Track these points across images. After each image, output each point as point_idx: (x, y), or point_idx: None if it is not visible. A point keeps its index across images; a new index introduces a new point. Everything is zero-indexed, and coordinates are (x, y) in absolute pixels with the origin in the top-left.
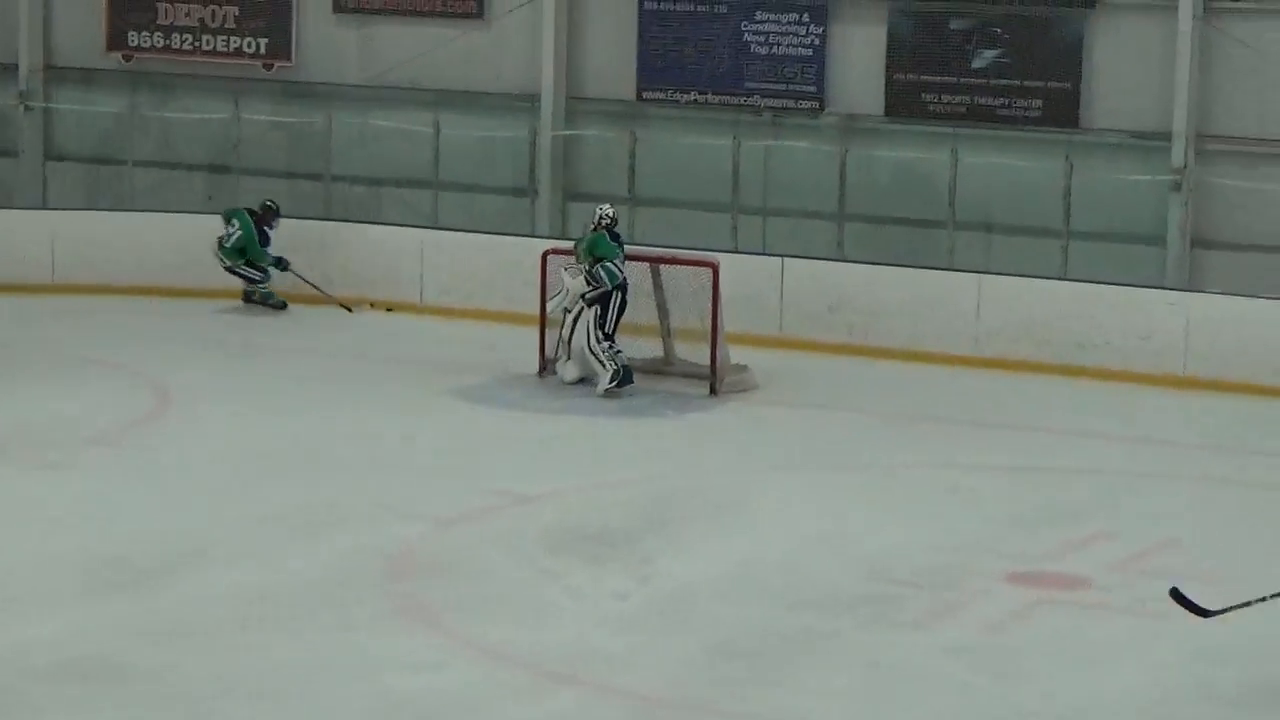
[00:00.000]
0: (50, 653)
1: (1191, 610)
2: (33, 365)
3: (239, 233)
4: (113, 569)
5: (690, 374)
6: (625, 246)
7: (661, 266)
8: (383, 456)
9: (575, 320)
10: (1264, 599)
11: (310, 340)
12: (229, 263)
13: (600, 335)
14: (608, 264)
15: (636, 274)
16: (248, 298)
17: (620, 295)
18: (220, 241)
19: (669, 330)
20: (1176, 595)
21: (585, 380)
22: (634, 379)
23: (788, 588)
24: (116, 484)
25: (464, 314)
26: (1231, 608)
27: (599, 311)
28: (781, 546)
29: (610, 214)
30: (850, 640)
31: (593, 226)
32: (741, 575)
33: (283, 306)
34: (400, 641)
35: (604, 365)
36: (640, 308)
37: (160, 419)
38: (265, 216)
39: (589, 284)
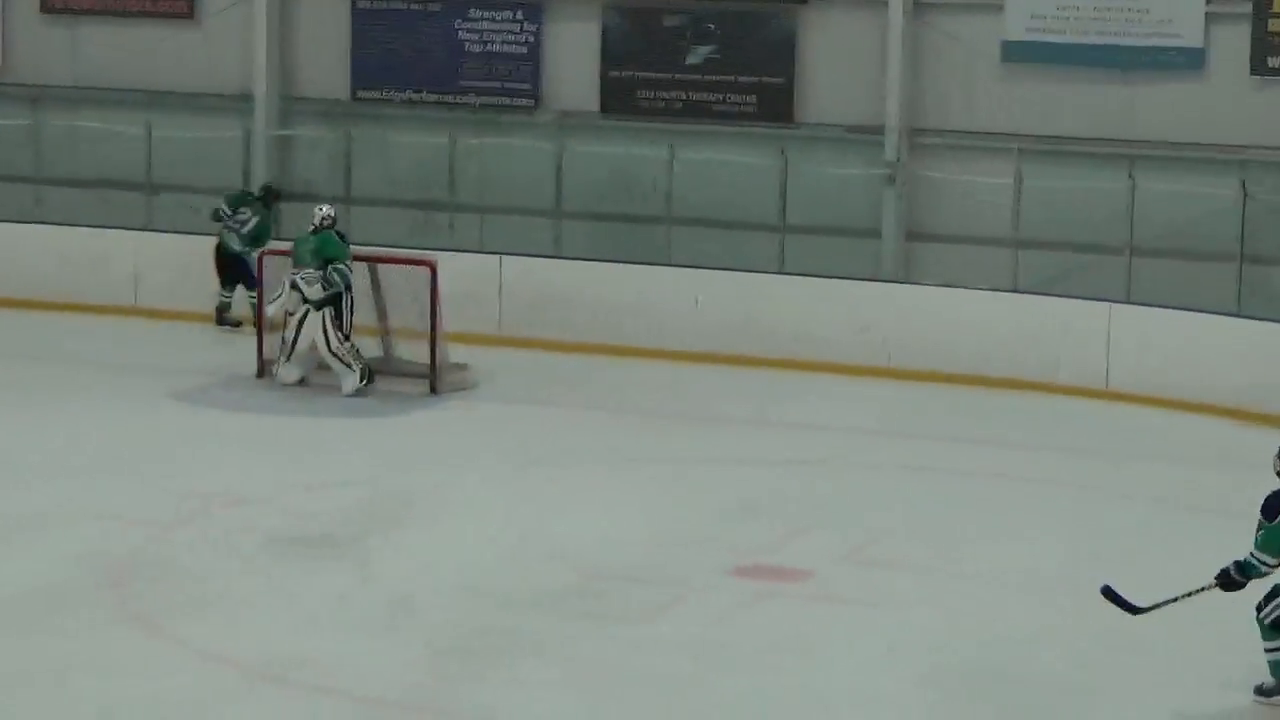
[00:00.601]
0: None
1: (1122, 607)
2: None
3: (255, 219)
4: None
5: (410, 373)
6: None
7: (379, 266)
8: (96, 460)
9: (301, 322)
10: (1189, 594)
11: (22, 345)
12: (240, 249)
13: (341, 337)
14: (339, 265)
15: (356, 273)
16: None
17: (350, 295)
18: (232, 230)
19: (388, 329)
20: (1108, 593)
21: (304, 382)
22: (375, 378)
23: (505, 586)
24: None
25: (179, 316)
26: (1160, 604)
27: (333, 313)
28: (500, 545)
29: (331, 214)
30: (567, 636)
31: (314, 228)
32: (460, 575)
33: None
34: (118, 647)
35: (350, 366)
36: (359, 307)
37: None
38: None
39: (323, 289)
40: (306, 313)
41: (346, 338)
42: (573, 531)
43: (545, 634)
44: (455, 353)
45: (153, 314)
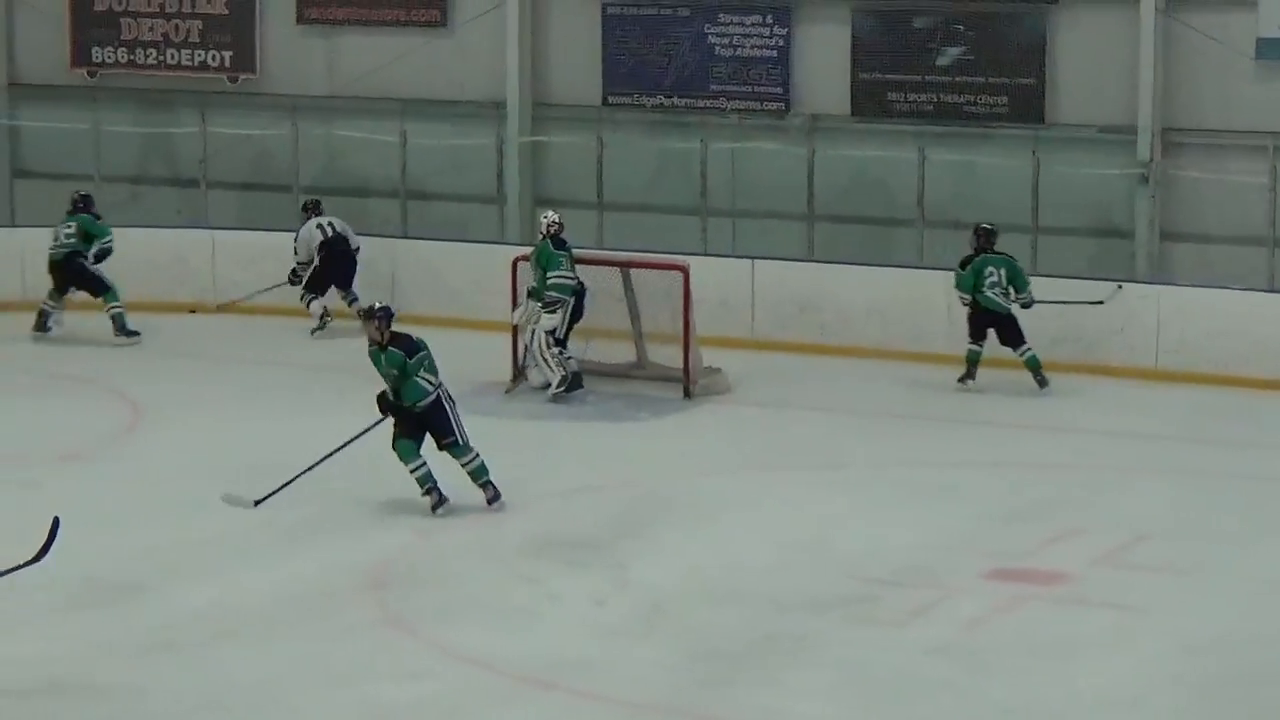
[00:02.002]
0: (25, 672)
1: None
2: (4, 382)
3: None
4: (90, 585)
5: (663, 377)
6: (594, 251)
7: (632, 270)
8: (358, 465)
9: (535, 327)
10: None
11: (279, 352)
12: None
13: (550, 340)
14: (552, 279)
15: (607, 278)
16: None
17: (575, 301)
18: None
19: (640, 334)
20: None
21: (549, 385)
22: (583, 384)
23: (766, 590)
24: (90, 500)
25: (435, 322)
26: None
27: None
28: (759, 548)
29: (556, 220)
30: (830, 640)
31: (541, 235)
32: (720, 578)
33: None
34: (381, 651)
35: (552, 370)
36: (612, 312)
37: (133, 433)
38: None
39: (548, 309)
40: (540, 318)
41: (558, 342)
42: (831, 534)
43: (807, 637)
44: (708, 357)
45: (408, 320)
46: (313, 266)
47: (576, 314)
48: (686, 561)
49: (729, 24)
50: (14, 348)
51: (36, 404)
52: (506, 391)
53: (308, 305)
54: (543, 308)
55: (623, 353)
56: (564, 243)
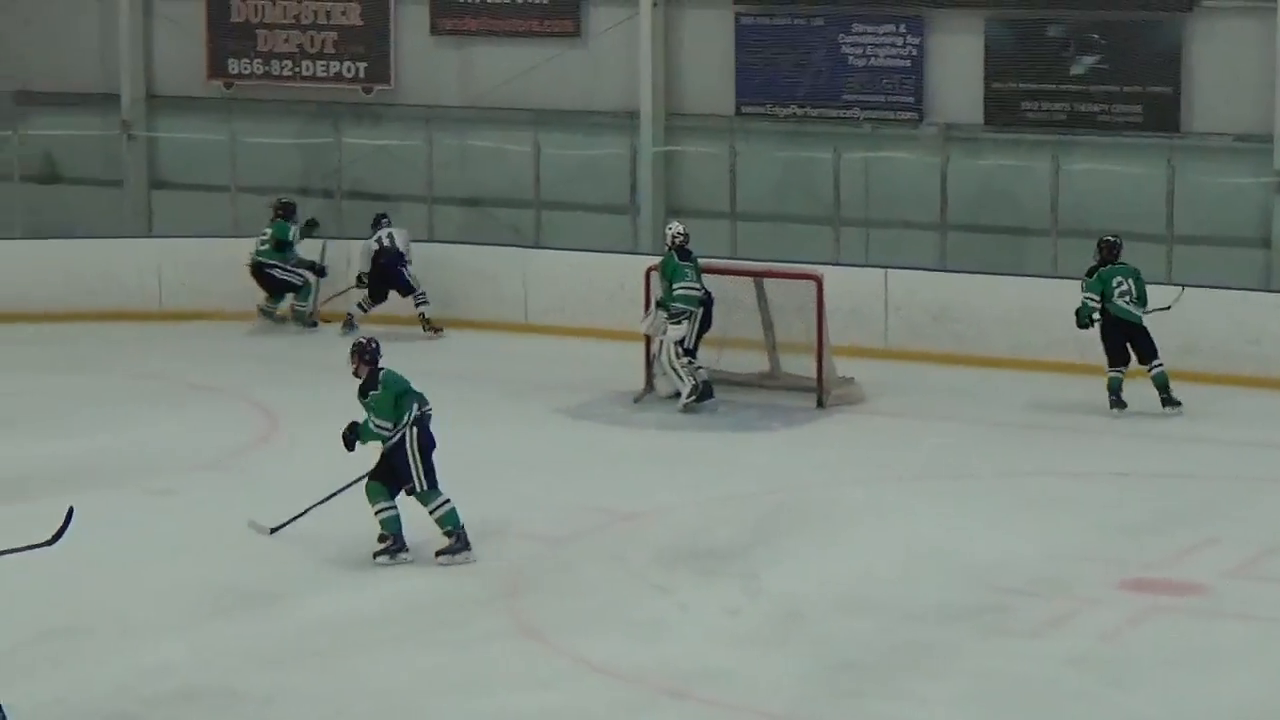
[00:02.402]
0: (167, 679)
1: None
2: (141, 393)
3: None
4: (227, 594)
5: (796, 387)
6: (727, 261)
7: (765, 280)
8: (490, 475)
9: (663, 338)
10: None
11: (412, 361)
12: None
13: (679, 350)
14: (678, 290)
15: (740, 288)
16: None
17: (704, 311)
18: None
19: (774, 344)
20: None
21: (678, 395)
22: (714, 394)
23: (900, 600)
24: (227, 509)
25: (568, 332)
26: None
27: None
28: (892, 558)
29: (680, 232)
30: (963, 651)
31: (666, 246)
32: (852, 588)
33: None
34: (512, 660)
35: (683, 380)
36: (745, 322)
37: (268, 442)
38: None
39: (673, 320)
40: (666, 328)
41: (687, 352)
42: (964, 544)
43: (940, 647)
44: (841, 366)
45: (540, 330)
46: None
47: (705, 324)
48: (819, 571)
49: (862, 33)
50: (150, 357)
51: (172, 414)
52: (635, 401)
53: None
54: (669, 319)
55: (755, 362)
56: (689, 254)
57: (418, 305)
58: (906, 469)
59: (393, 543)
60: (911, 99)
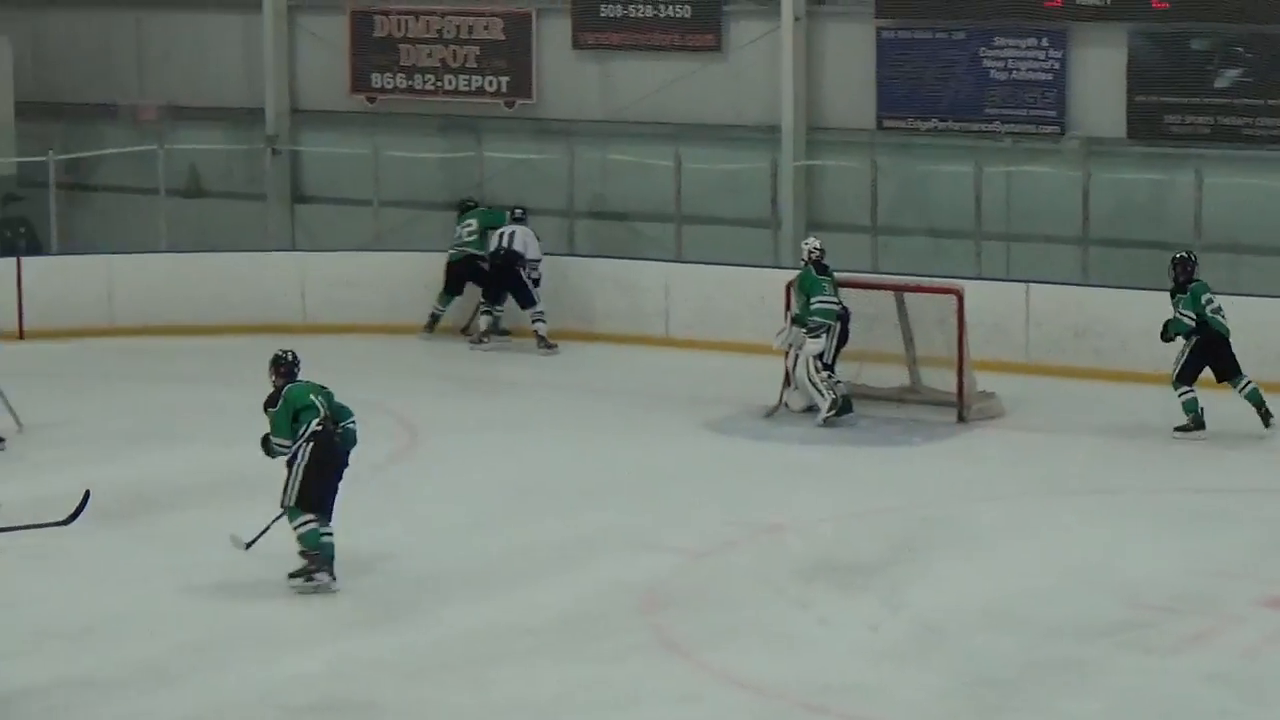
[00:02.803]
0: (307, 691)
1: None
2: None
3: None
4: (369, 605)
5: (937, 401)
6: (868, 275)
7: (906, 294)
8: (632, 488)
9: (800, 352)
10: None
11: (553, 374)
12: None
13: (819, 365)
14: (816, 304)
15: (880, 302)
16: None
17: (841, 325)
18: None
19: (914, 358)
20: None
21: (811, 409)
22: (853, 408)
23: (1042, 615)
24: (370, 521)
25: (708, 346)
26: None
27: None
28: (1033, 573)
29: (817, 247)
30: (1106, 667)
31: (803, 261)
32: (993, 603)
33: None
34: (654, 674)
35: (822, 394)
36: (886, 336)
37: (410, 455)
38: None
39: (811, 334)
40: (803, 343)
41: (825, 366)
42: (1106, 560)
43: (1082, 663)
44: (982, 381)
45: (681, 344)
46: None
47: (843, 338)
48: (960, 586)
49: (1004, 47)
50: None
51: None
52: (766, 416)
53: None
54: (807, 333)
55: (896, 377)
56: (826, 268)
57: (534, 322)
58: (1048, 484)
59: (311, 565)
60: (1053, 112)
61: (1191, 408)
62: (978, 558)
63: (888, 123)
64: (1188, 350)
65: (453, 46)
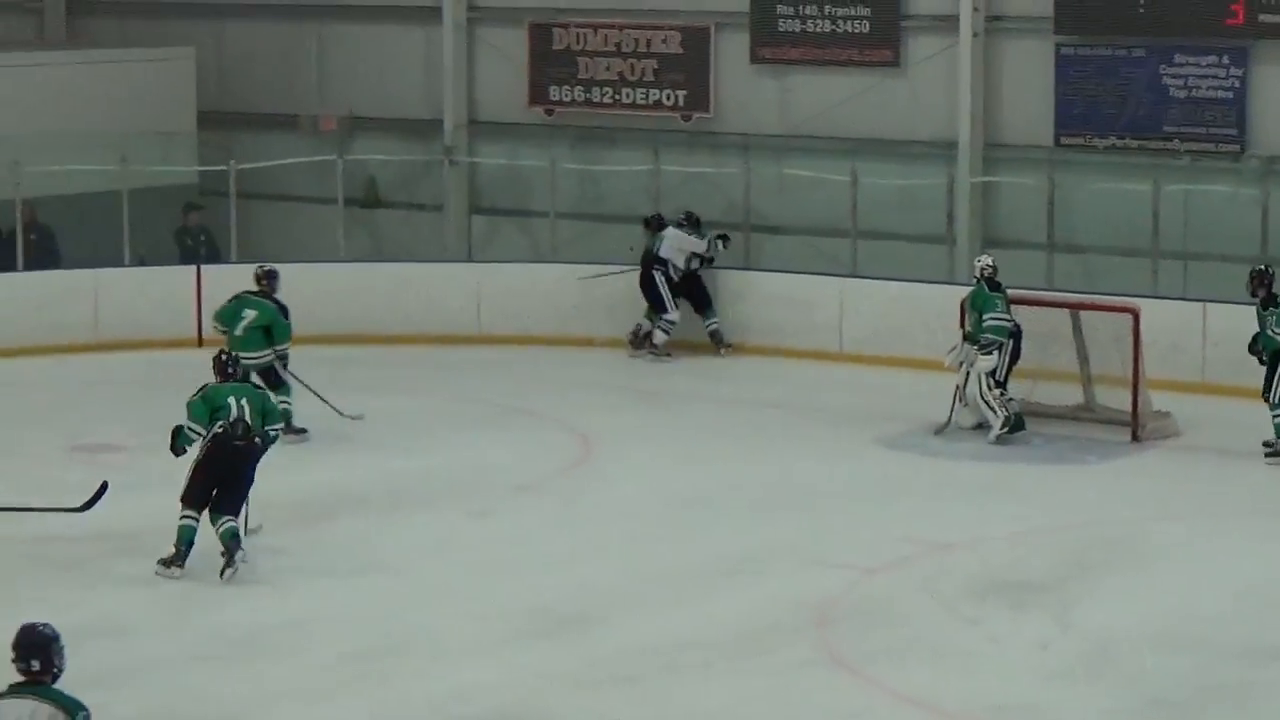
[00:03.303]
0: (480, 701)
1: None
2: (460, 415)
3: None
4: (541, 617)
5: (1111, 420)
6: (1043, 292)
7: (1081, 312)
8: (804, 503)
9: (971, 370)
10: None
11: (727, 388)
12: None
13: (991, 382)
14: (989, 321)
15: (1056, 320)
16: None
17: (1013, 343)
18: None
19: (1089, 376)
20: None
21: (981, 426)
22: (1025, 425)
23: (1216, 637)
24: (543, 531)
25: (883, 362)
26: None
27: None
28: (1206, 595)
29: (990, 264)
30: (1278, 692)
31: (976, 278)
32: (1166, 624)
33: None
34: (823, 690)
35: (995, 412)
36: (1060, 354)
37: (584, 466)
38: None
39: (983, 351)
40: (975, 360)
41: (998, 384)
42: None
43: (1256, 688)
44: (1158, 400)
45: (855, 359)
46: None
47: (1015, 355)
48: (1133, 606)
49: (1184, 64)
50: (470, 381)
51: (491, 437)
52: (936, 433)
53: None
54: (979, 350)
55: (1070, 395)
56: (999, 285)
57: (654, 327)
58: (1224, 504)
59: (174, 555)
60: (1233, 131)
61: None
62: (1151, 578)
63: (1065, 139)
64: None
65: (630, 60)
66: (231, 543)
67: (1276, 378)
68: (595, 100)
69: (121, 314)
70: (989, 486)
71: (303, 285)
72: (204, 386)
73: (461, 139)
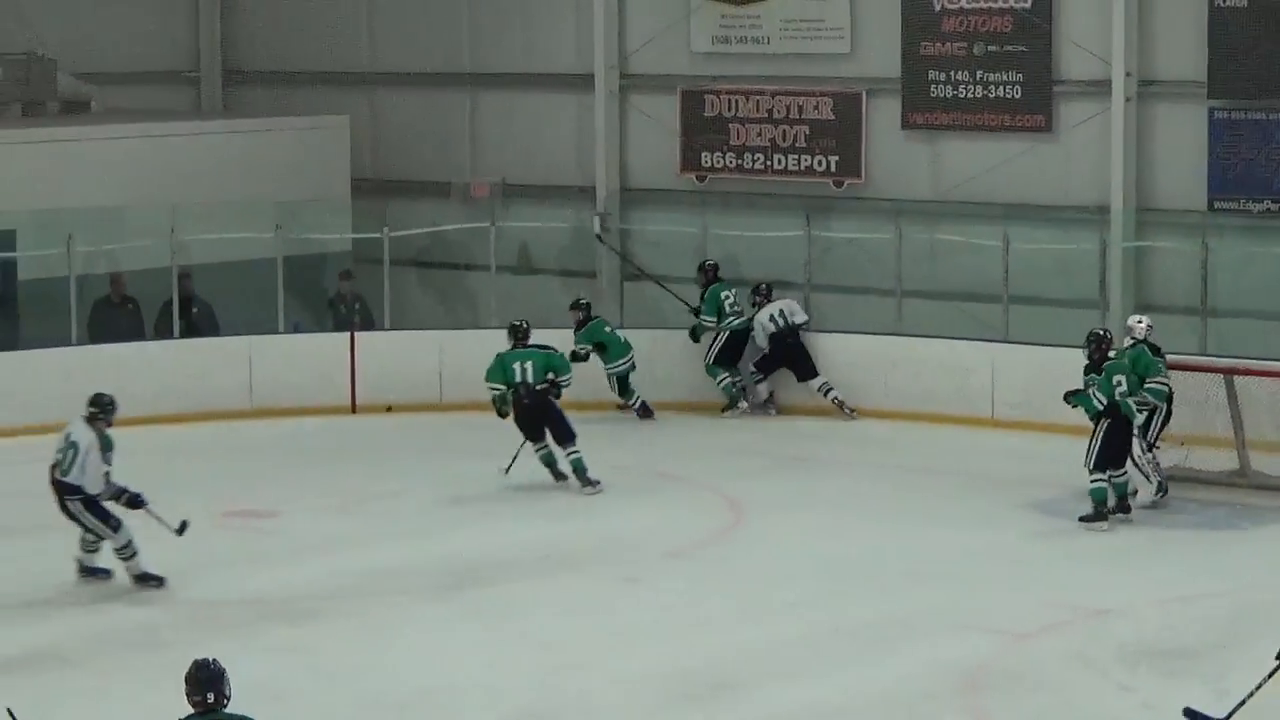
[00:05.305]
0: None
1: None
2: (612, 481)
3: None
4: (691, 682)
5: (1267, 486)
6: (1197, 357)
7: (1235, 378)
8: (954, 569)
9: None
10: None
11: (876, 453)
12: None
13: (1145, 446)
14: (1152, 385)
15: (1210, 385)
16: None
17: (1166, 406)
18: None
19: (1244, 442)
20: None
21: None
22: (1168, 490)
23: None
24: (693, 597)
25: (1035, 428)
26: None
27: (1143, 422)
28: None
29: (1147, 324)
30: None
31: (1130, 342)
32: None
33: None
34: None
35: (1148, 477)
36: (1214, 419)
37: (734, 532)
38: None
39: (1139, 410)
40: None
41: (1150, 447)
42: None
43: None
44: None
45: (1008, 425)
46: (761, 353)
47: (1166, 419)
48: None
49: None
50: (620, 446)
51: (642, 502)
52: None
53: (755, 384)
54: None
55: (1224, 460)
56: (1158, 348)
57: (827, 392)
58: None
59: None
60: None
61: (1099, 495)
62: None
63: (1218, 203)
64: (1101, 433)
65: (782, 126)
66: (581, 469)
67: (1094, 443)
68: (747, 166)
69: (276, 381)
70: (1141, 552)
71: (456, 352)
72: (499, 354)
73: (614, 205)
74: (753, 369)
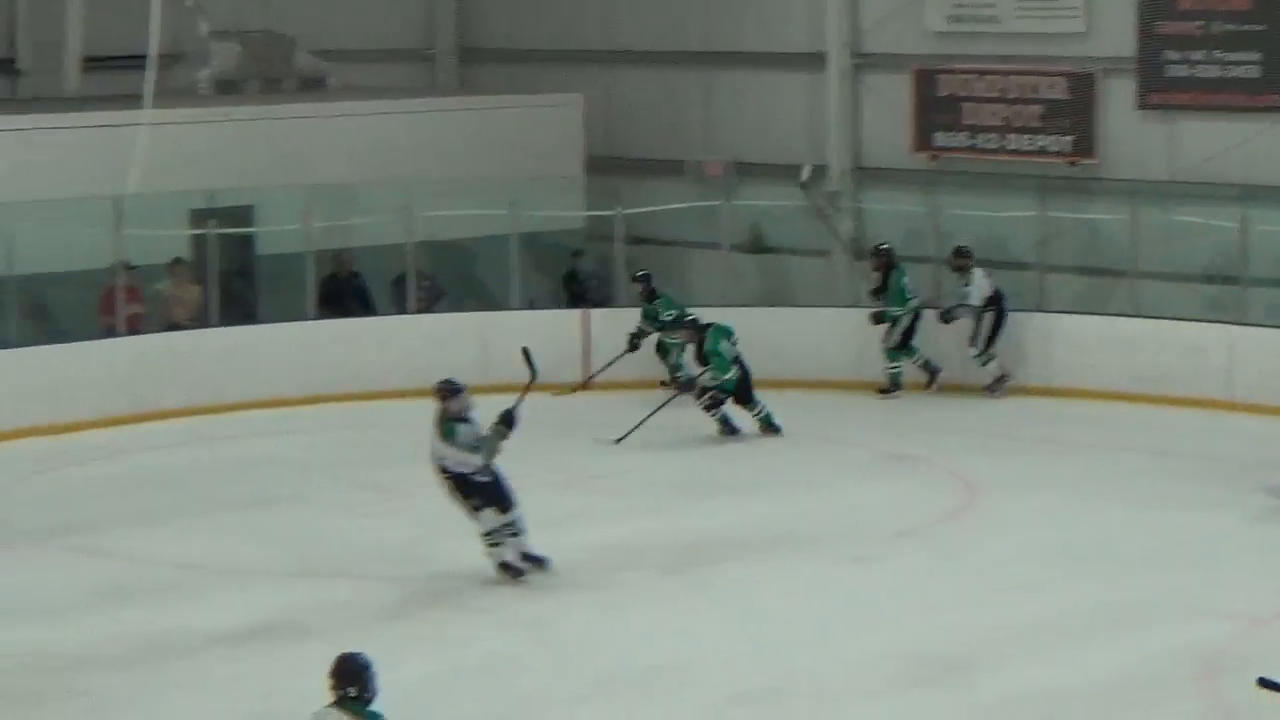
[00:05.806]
0: None
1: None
2: (840, 460)
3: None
4: (921, 663)
5: None
6: None
7: None
8: (1189, 552)
9: None
10: None
11: (1112, 435)
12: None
13: None
14: None
15: None
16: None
17: None
18: None
19: None
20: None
21: None
22: None
23: None
24: (925, 578)
25: (1273, 410)
26: None
27: None
28: None
29: None
30: None
31: None
32: None
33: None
34: None
35: None
36: None
37: (967, 512)
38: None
39: None
40: None
41: None
42: None
43: None
44: None
45: (1245, 408)
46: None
47: None
48: None
49: None
50: (840, 423)
51: (872, 482)
52: None
53: (984, 364)
54: None
55: None
56: None
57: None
58: None
59: None
60: None
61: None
62: None
63: None
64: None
65: (1016, 105)
66: (769, 423)
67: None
68: (979, 146)
69: (509, 357)
70: None
71: None
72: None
73: (847, 184)
74: (978, 350)
